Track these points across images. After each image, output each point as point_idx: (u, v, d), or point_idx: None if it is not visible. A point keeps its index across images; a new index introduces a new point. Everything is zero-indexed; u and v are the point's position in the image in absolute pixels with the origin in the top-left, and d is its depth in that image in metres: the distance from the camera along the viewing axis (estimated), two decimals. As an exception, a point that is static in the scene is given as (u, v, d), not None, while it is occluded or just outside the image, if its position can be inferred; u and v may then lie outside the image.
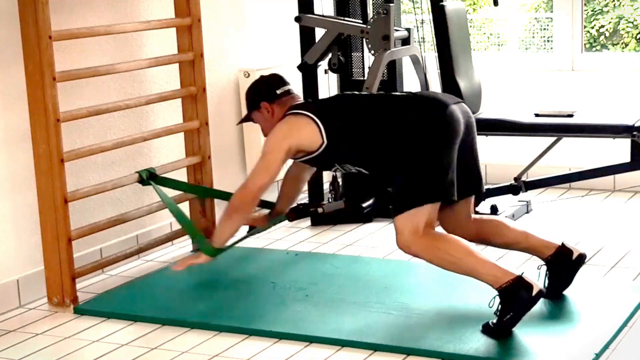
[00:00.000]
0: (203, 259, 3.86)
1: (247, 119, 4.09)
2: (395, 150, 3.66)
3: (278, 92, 3.95)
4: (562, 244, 3.81)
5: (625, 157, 4.82)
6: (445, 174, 3.60)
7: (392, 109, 3.78)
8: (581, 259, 3.80)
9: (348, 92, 3.93)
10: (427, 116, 3.68)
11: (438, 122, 3.64)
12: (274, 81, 4.00)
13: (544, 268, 3.81)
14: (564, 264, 3.79)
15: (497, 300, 3.47)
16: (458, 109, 3.70)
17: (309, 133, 3.75)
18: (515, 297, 3.43)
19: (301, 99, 4.06)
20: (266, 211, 4.31)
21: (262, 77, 4.10)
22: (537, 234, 3.88)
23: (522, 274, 3.48)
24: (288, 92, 3.98)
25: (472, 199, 3.90)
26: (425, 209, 3.59)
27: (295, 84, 5.32)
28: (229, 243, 3.93)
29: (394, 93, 3.80)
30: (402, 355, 3.41)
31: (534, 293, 3.42)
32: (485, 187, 5.12)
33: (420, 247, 3.58)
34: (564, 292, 3.85)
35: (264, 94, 3.95)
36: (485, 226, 3.89)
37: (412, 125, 3.66)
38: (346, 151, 3.78)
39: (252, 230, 4.29)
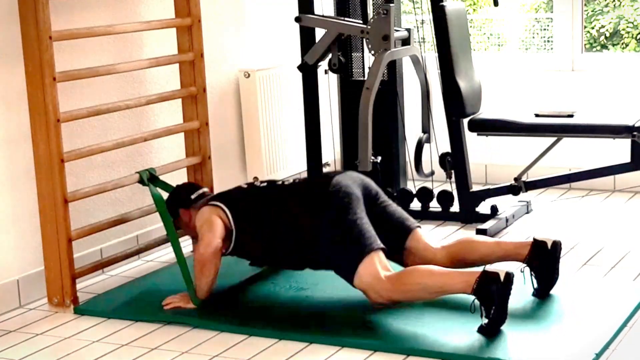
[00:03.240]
0: (190, 305, 3.94)
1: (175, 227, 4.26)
2: (304, 233, 3.82)
3: (192, 197, 4.14)
4: (534, 239, 3.86)
5: (625, 157, 4.81)
6: (358, 233, 3.73)
7: (285, 197, 3.94)
8: (556, 246, 3.83)
9: (245, 185, 4.16)
10: (316, 195, 3.87)
11: (327, 196, 3.82)
12: (187, 188, 4.22)
13: (527, 269, 3.83)
14: (542, 258, 3.82)
15: (477, 303, 3.49)
16: (344, 177, 3.91)
17: (222, 217, 3.92)
18: (488, 292, 3.46)
19: None
20: None
21: (177, 186, 4.27)
22: (506, 238, 3.92)
23: (484, 267, 3.53)
24: (202, 195, 4.15)
25: (417, 233, 3.97)
26: (368, 261, 3.69)
27: (296, 84, 5.36)
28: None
29: (280, 183, 4.04)
30: (402, 356, 3.41)
31: (502, 279, 3.45)
32: (485, 187, 5.16)
33: (389, 291, 3.65)
34: (563, 292, 3.86)
35: (180, 202, 4.16)
36: (455, 248, 3.96)
37: (307, 207, 3.85)
38: (254, 240, 3.95)
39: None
